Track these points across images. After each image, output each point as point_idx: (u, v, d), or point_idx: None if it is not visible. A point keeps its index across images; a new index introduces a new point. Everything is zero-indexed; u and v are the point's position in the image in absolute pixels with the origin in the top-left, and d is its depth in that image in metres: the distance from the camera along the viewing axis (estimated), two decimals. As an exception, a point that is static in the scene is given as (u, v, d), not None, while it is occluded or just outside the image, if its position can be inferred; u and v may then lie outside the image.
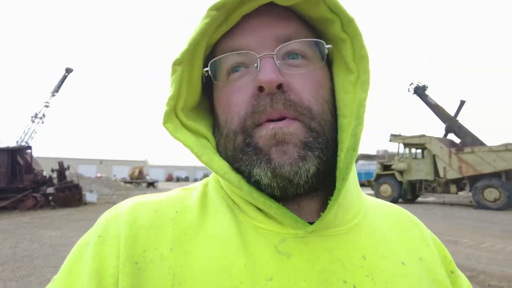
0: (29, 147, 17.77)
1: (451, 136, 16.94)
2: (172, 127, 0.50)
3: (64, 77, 25.49)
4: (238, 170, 0.49)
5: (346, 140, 0.49)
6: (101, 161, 72.55)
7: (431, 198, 17.90)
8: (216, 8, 0.46)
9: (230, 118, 0.49)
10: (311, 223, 0.48)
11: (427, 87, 18.21)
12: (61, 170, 16.43)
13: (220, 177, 0.49)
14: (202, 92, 0.56)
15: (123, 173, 61.02)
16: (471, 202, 14.35)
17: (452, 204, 15.28)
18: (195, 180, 72.67)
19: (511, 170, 13.41)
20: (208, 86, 0.55)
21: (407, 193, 16.12)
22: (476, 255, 6.10)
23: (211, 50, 0.53)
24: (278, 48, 0.47)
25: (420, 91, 18.21)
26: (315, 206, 0.51)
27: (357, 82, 0.50)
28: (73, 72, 25.51)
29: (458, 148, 14.76)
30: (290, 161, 0.44)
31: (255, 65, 0.47)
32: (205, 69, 0.51)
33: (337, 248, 0.48)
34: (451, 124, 16.59)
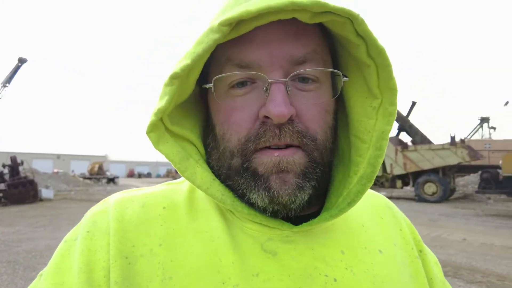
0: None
1: (404, 135, 18.30)
2: (155, 137, 0.48)
3: (17, 67, 24.25)
4: (228, 186, 0.49)
5: (362, 165, 0.50)
6: (58, 156, 69.05)
7: (383, 193, 19.29)
8: (229, 23, 0.41)
9: (229, 136, 0.47)
10: (298, 220, 0.49)
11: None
12: (14, 165, 15.80)
13: (203, 192, 0.49)
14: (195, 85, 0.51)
15: (82, 168, 58.69)
16: (415, 196, 15.65)
17: (398, 198, 16.61)
18: (158, 176, 71.44)
19: (446, 166, 14.86)
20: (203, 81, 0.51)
21: (358, 187, 17.26)
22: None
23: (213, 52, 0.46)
24: (291, 75, 0.45)
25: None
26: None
27: (379, 109, 0.49)
28: (27, 62, 24.32)
29: (403, 146, 16.05)
30: (289, 191, 0.45)
31: (264, 88, 0.45)
32: (208, 85, 0.48)
33: (319, 245, 0.50)
34: (403, 123, 17.82)
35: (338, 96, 0.51)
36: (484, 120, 32.90)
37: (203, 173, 0.49)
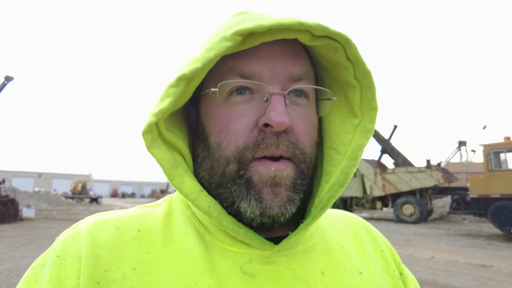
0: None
1: (386, 157, 18.88)
2: (150, 139, 0.47)
3: (3, 85, 24.07)
4: (218, 195, 0.49)
5: (334, 175, 0.52)
6: (39, 174, 67.36)
7: (364, 214, 19.65)
8: (242, 33, 0.44)
9: (226, 144, 0.48)
10: (278, 240, 0.50)
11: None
12: (-5, 184, 15.60)
13: (190, 202, 0.49)
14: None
15: (65, 187, 57.53)
16: (395, 217, 15.99)
17: (379, 219, 17.04)
18: (142, 196, 70.36)
19: (423, 188, 15.43)
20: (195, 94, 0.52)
21: (340, 208, 17.49)
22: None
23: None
24: (290, 89, 0.48)
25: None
26: (283, 229, 0.51)
27: (358, 126, 0.52)
28: (13, 80, 24.20)
29: (382, 168, 16.62)
30: (280, 203, 0.46)
31: (265, 98, 0.47)
32: (213, 89, 0.48)
33: (300, 266, 0.50)
34: (385, 146, 18.37)
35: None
36: (462, 143, 34.13)
37: (191, 183, 0.49)
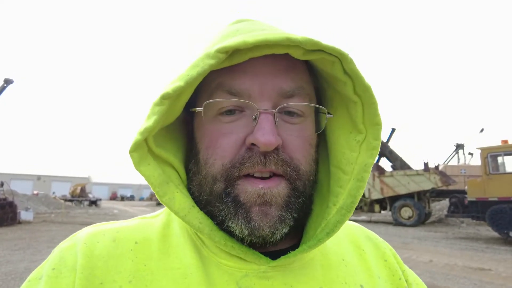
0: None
1: (384, 160, 18.89)
2: (138, 157, 0.46)
3: (2, 88, 24.07)
4: (208, 213, 0.48)
5: (341, 196, 0.50)
6: (38, 177, 67.25)
7: (363, 217, 19.66)
8: (226, 51, 0.43)
9: (212, 161, 0.47)
10: (276, 254, 0.49)
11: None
12: (-6, 186, 15.57)
13: (180, 219, 0.47)
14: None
15: (64, 190, 57.45)
16: (393, 220, 15.96)
17: (377, 222, 17.00)
18: (141, 199, 70.32)
19: (421, 191, 15.40)
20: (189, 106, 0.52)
21: (339, 211, 17.57)
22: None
23: (204, 78, 0.47)
24: (279, 107, 0.46)
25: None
26: (281, 243, 0.50)
27: (363, 143, 0.51)
28: (13, 83, 24.18)
29: (380, 171, 16.60)
30: (270, 224, 0.44)
31: (253, 116, 0.46)
32: (198, 109, 0.48)
33: (297, 282, 0.49)
34: (383, 149, 18.30)
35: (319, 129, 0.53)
36: (460, 146, 34.18)
37: (182, 199, 0.48)
